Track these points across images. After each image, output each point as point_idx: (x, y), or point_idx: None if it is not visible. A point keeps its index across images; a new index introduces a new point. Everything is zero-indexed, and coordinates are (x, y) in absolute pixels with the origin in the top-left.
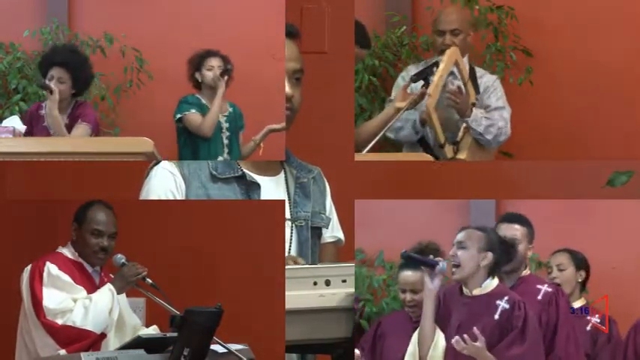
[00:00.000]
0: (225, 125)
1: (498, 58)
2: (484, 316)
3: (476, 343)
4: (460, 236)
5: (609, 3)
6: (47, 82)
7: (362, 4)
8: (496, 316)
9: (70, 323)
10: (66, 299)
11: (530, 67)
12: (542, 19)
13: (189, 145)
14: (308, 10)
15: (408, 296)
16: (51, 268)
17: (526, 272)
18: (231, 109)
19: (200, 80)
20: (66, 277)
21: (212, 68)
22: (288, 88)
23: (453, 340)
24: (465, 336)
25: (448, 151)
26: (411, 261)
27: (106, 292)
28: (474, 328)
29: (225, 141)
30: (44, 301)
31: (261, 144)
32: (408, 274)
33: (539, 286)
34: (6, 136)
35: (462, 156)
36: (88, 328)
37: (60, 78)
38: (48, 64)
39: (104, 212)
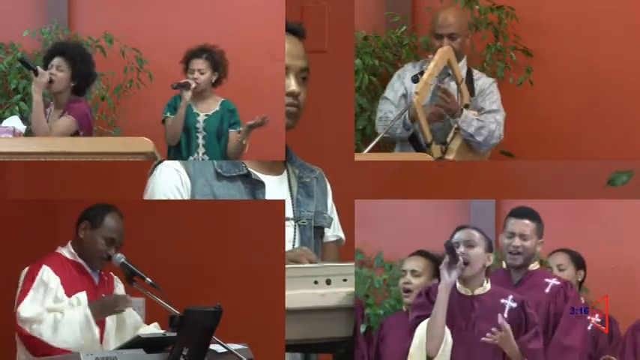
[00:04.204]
0: (202, 125)
1: (498, 58)
2: (493, 316)
3: (506, 327)
4: (465, 235)
5: (609, 3)
6: (36, 66)
7: (362, 4)
8: (505, 315)
9: (36, 334)
10: (40, 310)
11: (530, 67)
12: (542, 19)
13: (172, 148)
14: (308, 10)
15: (407, 278)
16: (44, 274)
17: (534, 266)
18: (218, 108)
19: None
20: (53, 284)
21: (193, 72)
22: (295, 86)
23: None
24: (493, 329)
25: (435, 150)
26: (448, 252)
27: (81, 312)
28: (499, 315)
29: (201, 141)
30: (19, 307)
31: (245, 142)
32: (413, 258)
33: (547, 280)
34: (6, 136)
35: (450, 157)
36: (55, 344)
37: (59, 66)
38: (50, 55)
39: (120, 222)
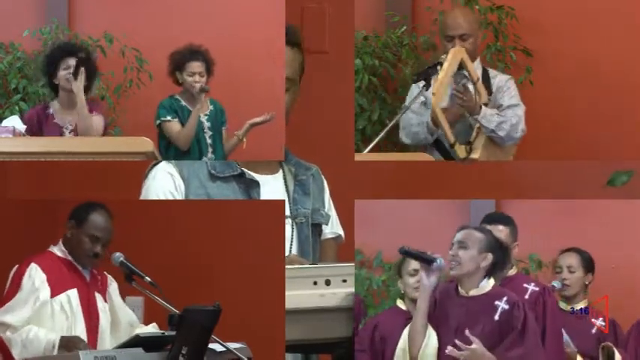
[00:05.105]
0: (207, 125)
1: (498, 58)
2: (483, 317)
3: (471, 346)
4: (461, 235)
5: (609, 3)
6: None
7: (362, 4)
8: (496, 317)
9: (7, 342)
10: (20, 316)
11: (530, 67)
12: (542, 19)
13: (172, 148)
14: (309, 10)
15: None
16: (31, 272)
17: (513, 272)
18: (212, 107)
19: (181, 81)
20: (38, 282)
21: (193, 75)
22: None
23: (448, 350)
24: (458, 342)
25: (460, 150)
26: (408, 256)
27: (52, 338)
28: (466, 331)
29: (209, 140)
30: (2, 309)
31: (244, 139)
32: None
33: (526, 286)
34: (6, 136)
35: (475, 155)
36: (18, 358)
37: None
38: (60, 55)
39: (105, 218)
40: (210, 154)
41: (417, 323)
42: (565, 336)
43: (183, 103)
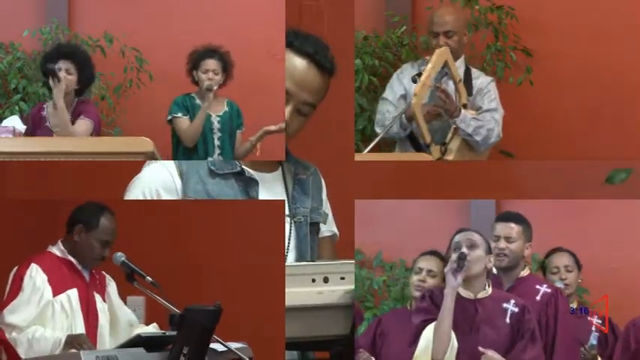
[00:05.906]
0: (217, 126)
1: (498, 58)
2: (496, 320)
3: (495, 356)
4: (465, 236)
5: (609, 3)
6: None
7: (362, 4)
8: (507, 320)
9: (13, 343)
10: (24, 316)
11: (530, 67)
12: (542, 19)
13: (182, 146)
14: (307, 8)
15: (422, 277)
16: (32, 272)
17: (525, 272)
18: (227, 108)
19: (196, 79)
20: (39, 282)
21: (207, 72)
22: (288, 115)
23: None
24: (481, 349)
25: (435, 151)
26: (461, 261)
27: (57, 336)
28: (480, 348)
29: (217, 142)
30: (5, 309)
31: (258, 145)
32: (429, 257)
33: (538, 287)
34: (6, 136)
35: (449, 157)
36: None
37: (68, 69)
38: (54, 57)
39: (113, 222)
40: (217, 156)
41: (445, 324)
42: (592, 339)
43: (197, 101)
